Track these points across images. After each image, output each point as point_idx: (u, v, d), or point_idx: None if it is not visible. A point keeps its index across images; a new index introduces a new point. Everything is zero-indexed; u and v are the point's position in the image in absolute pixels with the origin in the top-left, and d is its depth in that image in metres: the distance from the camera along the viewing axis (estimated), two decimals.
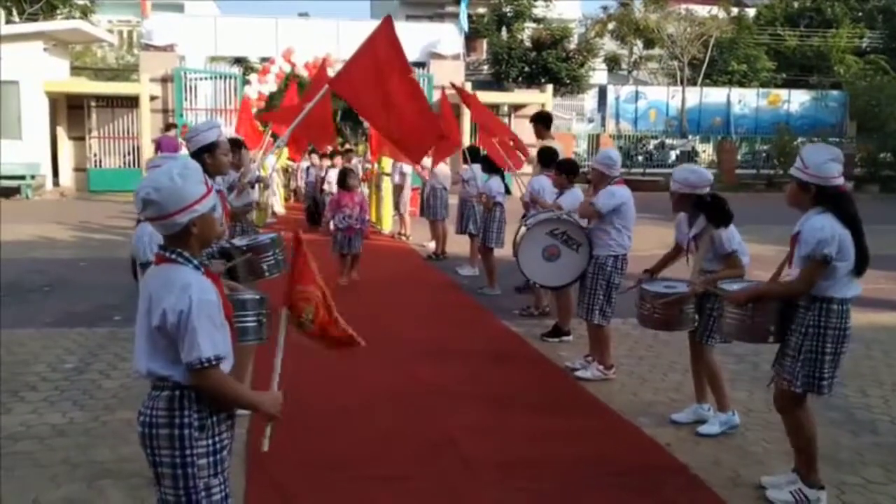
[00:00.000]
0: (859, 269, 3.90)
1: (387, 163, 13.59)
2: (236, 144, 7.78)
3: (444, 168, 11.70)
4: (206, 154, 4.77)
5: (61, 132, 21.94)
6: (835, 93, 33.03)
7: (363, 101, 5.69)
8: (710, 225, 4.83)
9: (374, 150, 13.78)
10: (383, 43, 5.58)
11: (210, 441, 2.64)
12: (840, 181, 3.92)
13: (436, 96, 21.91)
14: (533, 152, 8.81)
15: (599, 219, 6.10)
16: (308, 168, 16.92)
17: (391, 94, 5.48)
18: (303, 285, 3.09)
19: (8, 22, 23.05)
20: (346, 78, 5.58)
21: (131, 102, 21.67)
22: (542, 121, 8.81)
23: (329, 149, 14.75)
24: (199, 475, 2.61)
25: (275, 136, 11.18)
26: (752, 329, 4.25)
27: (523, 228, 6.77)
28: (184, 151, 11.49)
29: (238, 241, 5.24)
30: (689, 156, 31.32)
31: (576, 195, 7.09)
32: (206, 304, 2.55)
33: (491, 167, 9.45)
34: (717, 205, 4.87)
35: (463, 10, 24.63)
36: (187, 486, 2.60)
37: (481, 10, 33.68)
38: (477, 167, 9.88)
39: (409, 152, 6.60)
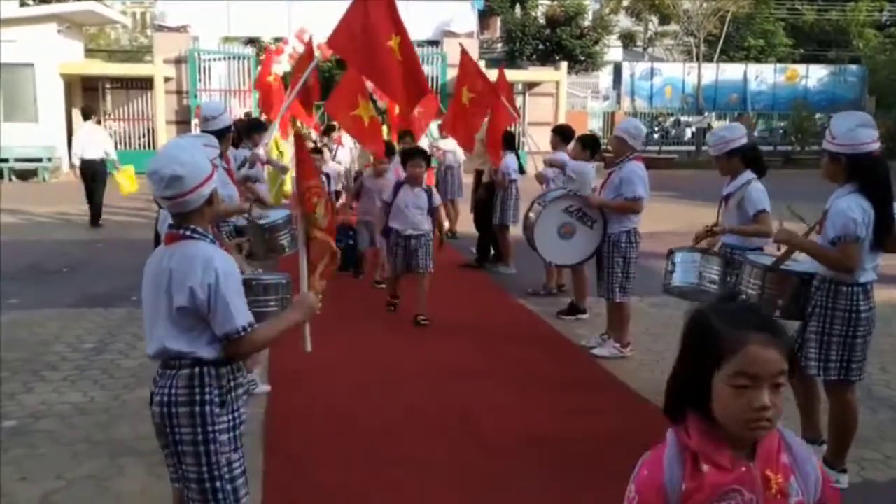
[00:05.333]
0: (878, 239, 3.77)
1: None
2: (259, 126, 7.97)
3: (452, 144, 11.61)
4: (221, 138, 4.97)
5: (76, 114, 21.98)
6: (853, 67, 32.55)
7: (358, 54, 5.63)
8: (747, 186, 4.78)
9: (394, 126, 13.42)
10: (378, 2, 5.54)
11: (230, 416, 2.66)
12: (873, 147, 3.76)
13: (450, 75, 21.87)
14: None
15: (638, 202, 5.99)
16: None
17: (387, 51, 5.44)
18: (309, 180, 3.21)
19: (22, 4, 23.08)
20: (340, 34, 5.51)
21: (146, 84, 21.71)
22: (562, 134, 8.51)
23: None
24: (221, 451, 2.64)
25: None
26: (763, 301, 4.23)
27: (537, 206, 6.73)
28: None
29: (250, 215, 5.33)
30: (705, 133, 31.06)
31: (584, 165, 7.12)
32: (232, 276, 2.59)
33: (507, 144, 9.38)
34: (756, 155, 4.92)
35: None
36: (210, 463, 2.62)
37: None
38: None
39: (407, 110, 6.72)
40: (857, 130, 3.75)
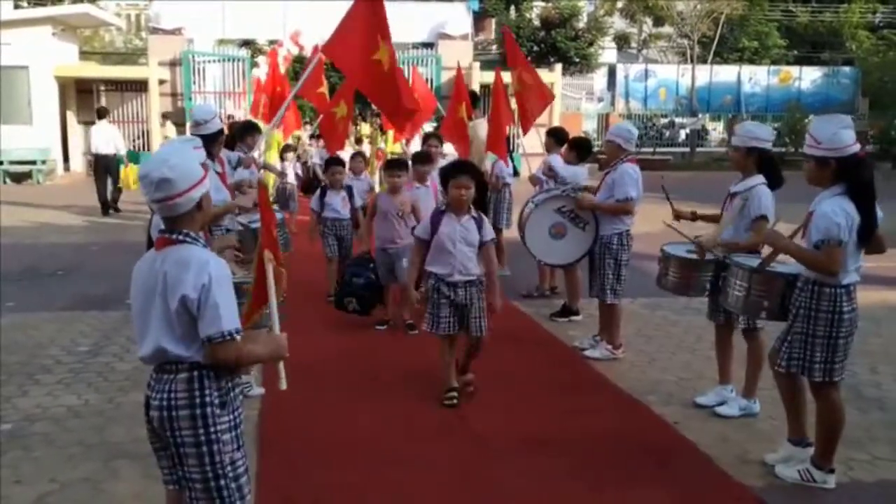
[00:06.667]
0: (863, 238, 3.81)
1: (395, 146, 13.57)
2: (254, 128, 7.98)
3: (447, 147, 11.64)
4: (213, 142, 4.96)
5: (71, 117, 21.98)
6: (847, 69, 32.69)
7: (354, 66, 5.68)
8: (756, 188, 4.80)
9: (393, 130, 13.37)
10: (370, 8, 5.59)
11: (230, 416, 2.70)
12: (856, 148, 3.81)
13: (444, 77, 21.90)
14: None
15: (629, 203, 6.03)
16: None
17: (373, 60, 5.49)
18: (269, 225, 3.30)
19: (16, 7, 23.05)
20: (337, 43, 5.56)
21: (140, 86, 21.68)
22: (556, 137, 8.51)
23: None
24: (225, 451, 2.67)
25: None
26: (749, 303, 4.31)
27: (530, 205, 6.78)
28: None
29: (242, 219, 5.35)
30: (699, 134, 31.16)
31: (574, 169, 7.16)
32: (225, 280, 2.62)
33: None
34: (774, 165, 4.91)
35: None
36: (214, 463, 2.66)
37: None
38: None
39: (396, 121, 6.66)
40: (840, 133, 3.80)
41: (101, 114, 15.01)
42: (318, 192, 8.02)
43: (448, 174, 5.09)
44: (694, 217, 5.32)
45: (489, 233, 5.09)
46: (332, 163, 8.19)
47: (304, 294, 7.53)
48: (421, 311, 5.15)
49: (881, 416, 5.06)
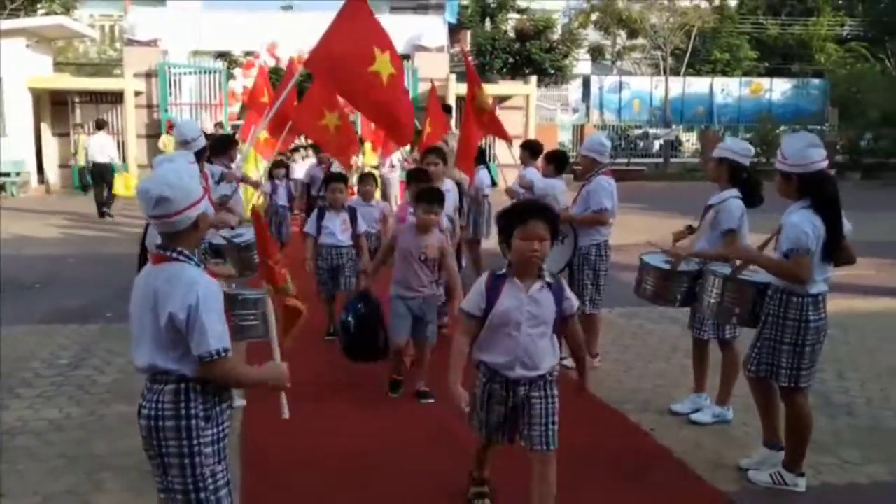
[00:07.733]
0: (829, 252, 3.96)
1: (371, 156, 13.62)
2: (234, 141, 7.97)
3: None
4: (199, 158, 5.06)
5: (45, 129, 21.81)
6: (816, 81, 33.30)
7: (340, 80, 5.67)
8: (727, 201, 4.89)
9: (376, 143, 13.29)
10: (359, 18, 5.58)
11: (214, 430, 2.76)
12: (822, 165, 3.96)
13: (421, 88, 22.02)
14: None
15: (604, 214, 6.14)
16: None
17: (371, 72, 5.47)
18: (272, 256, 3.35)
19: None
20: (320, 57, 5.54)
21: (116, 98, 21.57)
22: (531, 149, 8.62)
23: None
24: (206, 463, 2.74)
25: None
26: (722, 309, 4.46)
27: None
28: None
29: (226, 234, 5.40)
30: (673, 145, 31.54)
31: (552, 182, 7.26)
32: (214, 299, 2.68)
33: (479, 159, 9.51)
34: (753, 183, 4.94)
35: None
36: (195, 474, 2.72)
37: (465, 1, 33.65)
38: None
39: (396, 135, 6.52)
40: (806, 150, 3.97)
41: (100, 125, 16.35)
42: (314, 213, 6.98)
43: (514, 218, 3.43)
44: (691, 231, 5.40)
45: (573, 304, 3.53)
46: (332, 179, 7.02)
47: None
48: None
49: (849, 421, 5.20)
